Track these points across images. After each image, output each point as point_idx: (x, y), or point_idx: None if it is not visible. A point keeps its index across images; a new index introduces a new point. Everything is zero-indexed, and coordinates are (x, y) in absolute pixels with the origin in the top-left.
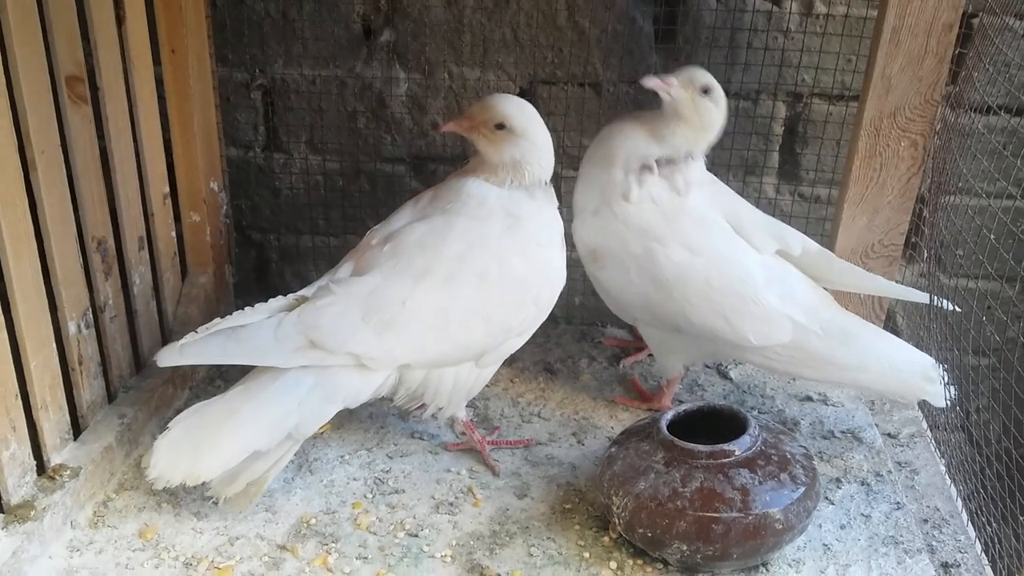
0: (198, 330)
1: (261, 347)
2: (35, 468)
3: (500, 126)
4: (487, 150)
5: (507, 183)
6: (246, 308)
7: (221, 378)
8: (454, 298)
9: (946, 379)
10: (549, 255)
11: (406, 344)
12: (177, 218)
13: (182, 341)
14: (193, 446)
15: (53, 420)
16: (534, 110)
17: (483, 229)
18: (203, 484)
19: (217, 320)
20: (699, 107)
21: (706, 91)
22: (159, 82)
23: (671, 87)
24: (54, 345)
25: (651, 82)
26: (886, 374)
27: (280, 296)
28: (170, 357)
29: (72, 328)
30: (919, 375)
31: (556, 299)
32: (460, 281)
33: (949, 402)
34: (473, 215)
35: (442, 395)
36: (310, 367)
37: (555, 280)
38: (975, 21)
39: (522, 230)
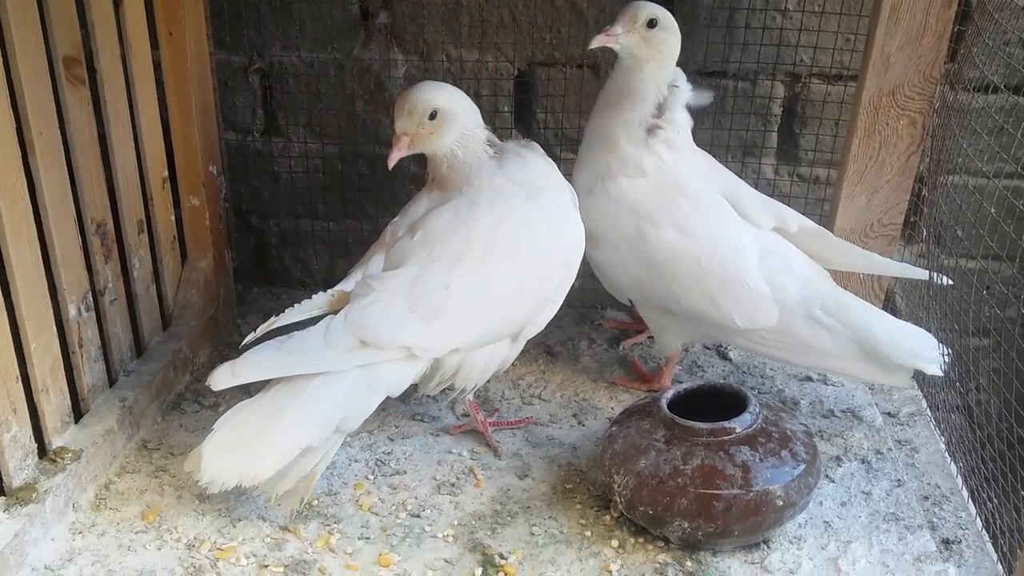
0: (246, 342)
1: (314, 355)
2: (36, 451)
3: (432, 115)
4: (432, 143)
5: (447, 160)
6: (287, 310)
7: (222, 361)
8: (494, 274)
9: (944, 354)
10: (570, 217)
11: (455, 328)
12: (176, 202)
13: (233, 362)
14: (244, 446)
15: (54, 403)
16: (455, 88)
17: (505, 202)
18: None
19: (262, 328)
20: (651, 42)
21: (652, 24)
22: (157, 65)
23: (617, 36)
24: (54, 328)
25: (596, 41)
26: (872, 363)
27: (321, 292)
28: (224, 379)
29: (72, 311)
30: (910, 355)
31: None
32: (496, 257)
33: (944, 370)
34: (492, 191)
35: (473, 376)
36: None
37: (580, 241)
38: None
39: (541, 198)
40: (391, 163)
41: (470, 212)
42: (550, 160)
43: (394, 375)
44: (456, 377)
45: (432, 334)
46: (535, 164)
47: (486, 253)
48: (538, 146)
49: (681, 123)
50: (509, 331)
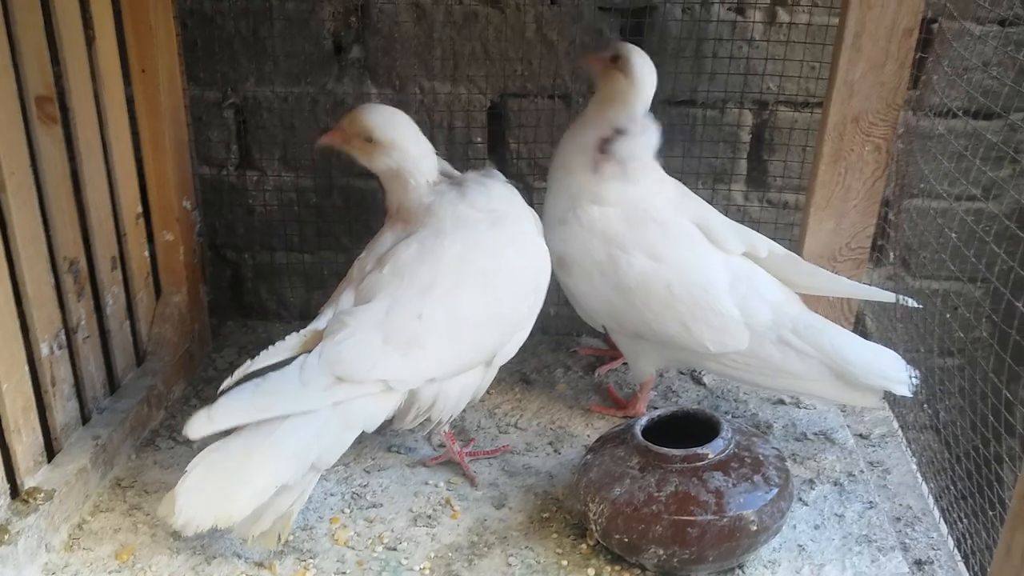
0: (222, 388)
1: (290, 395)
2: (9, 491)
3: (369, 139)
4: (364, 161)
5: (396, 191)
6: (260, 354)
7: (197, 397)
8: (465, 301)
9: (912, 376)
10: (536, 241)
11: (430, 357)
12: (150, 237)
13: (209, 409)
14: (219, 488)
15: (26, 443)
16: (404, 117)
17: (470, 230)
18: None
19: (237, 372)
20: (611, 77)
21: (615, 60)
22: (130, 101)
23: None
24: (26, 367)
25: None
26: (842, 384)
27: (294, 333)
28: (201, 427)
29: (45, 350)
30: (880, 376)
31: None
32: (466, 283)
33: (913, 392)
34: (456, 220)
35: (448, 406)
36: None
37: (547, 264)
38: (935, 26)
39: (506, 223)
40: (319, 143)
41: (436, 241)
42: (512, 187)
43: (368, 409)
44: (432, 409)
45: (408, 365)
46: (497, 191)
47: (456, 280)
48: (499, 173)
49: (634, 159)
50: (483, 357)
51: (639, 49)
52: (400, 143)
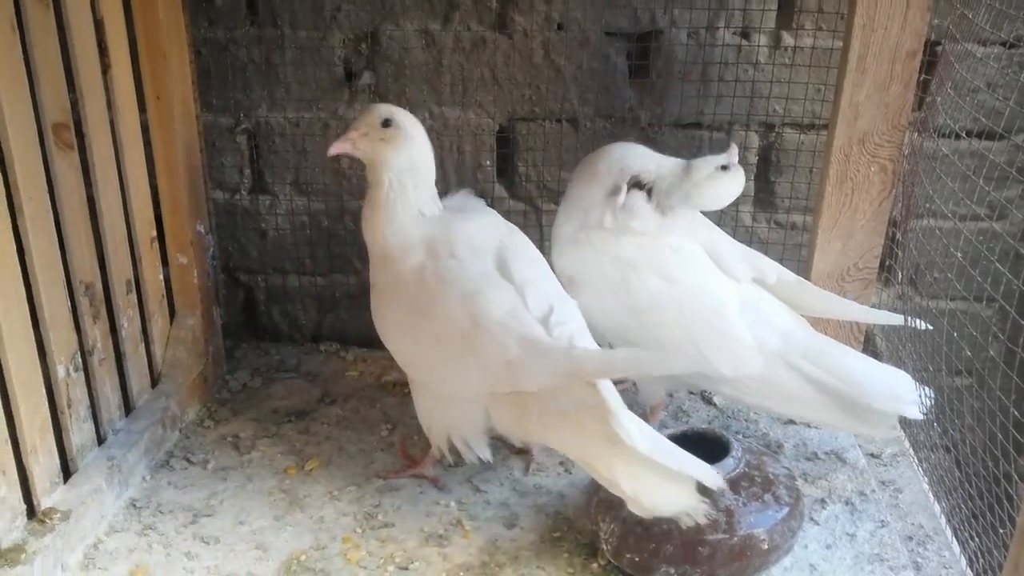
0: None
1: None
2: (26, 512)
3: (387, 123)
4: (377, 156)
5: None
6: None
7: (211, 419)
8: None
9: (925, 397)
10: None
11: None
12: (164, 261)
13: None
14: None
15: (43, 464)
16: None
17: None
18: None
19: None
20: (707, 171)
21: (725, 168)
22: (145, 128)
23: (732, 154)
24: (43, 389)
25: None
26: (856, 408)
27: None
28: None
29: (61, 372)
30: (892, 398)
31: None
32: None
33: (925, 414)
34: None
35: None
36: None
37: None
38: (939, 49)
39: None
40: (330, 152)
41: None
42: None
43: None
44: None
45: None
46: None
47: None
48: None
49: (637, 213)
50: None
51: None
52: (417, 139)
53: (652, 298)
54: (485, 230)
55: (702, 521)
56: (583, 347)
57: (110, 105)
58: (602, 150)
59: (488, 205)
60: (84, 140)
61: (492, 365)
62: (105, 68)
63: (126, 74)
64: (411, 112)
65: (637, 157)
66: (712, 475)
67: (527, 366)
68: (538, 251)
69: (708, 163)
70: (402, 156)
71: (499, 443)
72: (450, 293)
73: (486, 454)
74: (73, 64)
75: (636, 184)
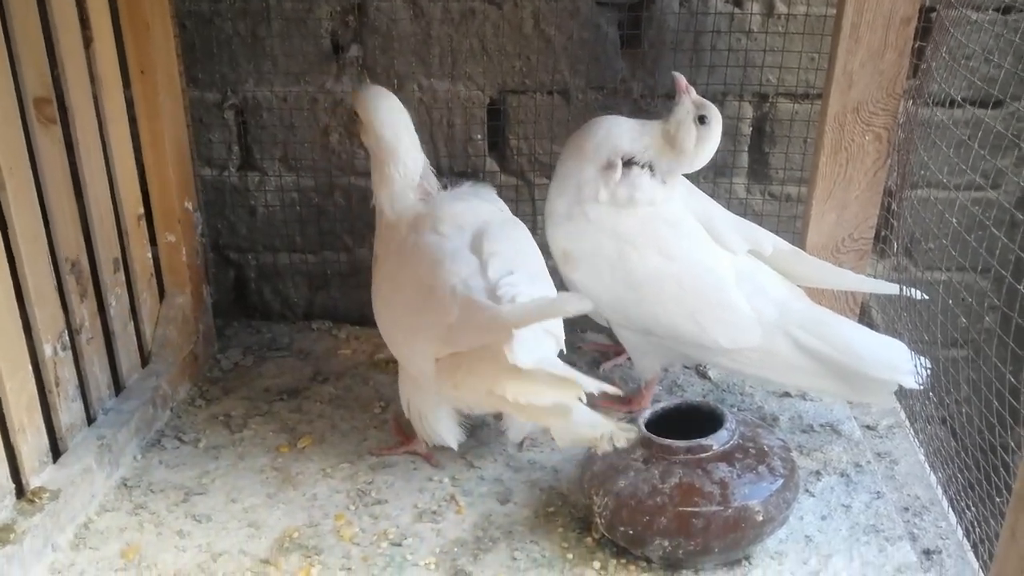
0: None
1: None
2: (14, 491)
3: (356, 114)
4: (363, 139)
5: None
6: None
7: (202, 398)
8: None
9: (922, 366)
10: None
11: None
12: (152, 239)
13: None
14: None
15: (31, 442)
16: (394, 105)
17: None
18: None
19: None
20: (688, 131)
21: (702, 120)
22: (130, 104)
23: (688, 92)
24: (30, 367)
25: (680, 79)
26: (853, 377)
27: None
28: None
29: (48, 350)
30: (889, 368)
31: None
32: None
33: (920, 385)
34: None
35: None
36: None
37: None
38: (934, 15)
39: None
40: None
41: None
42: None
43: None
44: None
45: None
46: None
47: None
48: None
49: (639, 185)
50: None
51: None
52: (372, 121)
53: (650, 272)
54: (475, 211)
55: (621, 444)
56: (510, 305)
57: (93, 79)
58: (587, 128)
59: (480, 180)
60: (67, 115)
61: (436, 328)
62: (87, 41)
63: (109, 47)
64: (400, 85)
65: (625, 135)
66: (594, 382)
67: (460, 326)
68: (528, 235)
69: (687, 127)
70: (371, 139)
71: (491, 420)
72: (421, 264)
73: (451, 441)
74: (54, 37)
75: (630, 163)
